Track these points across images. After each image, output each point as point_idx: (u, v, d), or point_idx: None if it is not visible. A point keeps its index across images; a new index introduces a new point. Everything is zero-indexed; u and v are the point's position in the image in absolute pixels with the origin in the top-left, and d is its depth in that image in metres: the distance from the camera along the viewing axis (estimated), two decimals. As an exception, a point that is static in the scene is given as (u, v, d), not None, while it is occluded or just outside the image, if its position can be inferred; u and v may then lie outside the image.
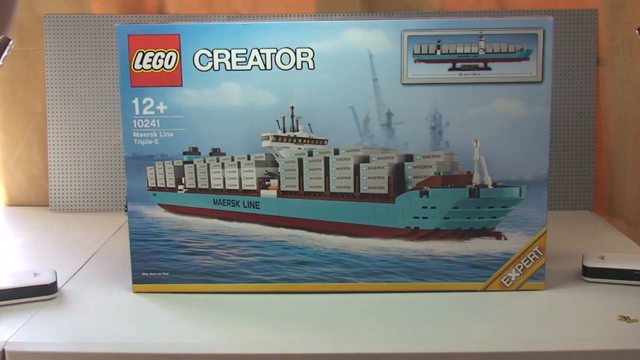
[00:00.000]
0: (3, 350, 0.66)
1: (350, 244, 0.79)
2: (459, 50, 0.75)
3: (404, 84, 0.76)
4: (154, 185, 0.79)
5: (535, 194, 0.77)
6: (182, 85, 0.76)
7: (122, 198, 1.20)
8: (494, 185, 0.77)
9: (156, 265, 0.80)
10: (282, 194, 0.79)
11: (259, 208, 0.80)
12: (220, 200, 0.81)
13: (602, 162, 1.21)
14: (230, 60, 0.76)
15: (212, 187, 0.81)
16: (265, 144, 0.78)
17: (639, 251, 0.95)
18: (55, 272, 0.80)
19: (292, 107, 0.77)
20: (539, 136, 0.77)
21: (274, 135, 0.77)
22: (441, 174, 0.77)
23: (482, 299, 0.78)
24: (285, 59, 0.76)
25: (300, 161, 0.79)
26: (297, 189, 0.79)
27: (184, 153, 0.78)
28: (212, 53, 0.76)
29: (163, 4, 1.19)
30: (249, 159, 0.79)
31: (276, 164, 0.79)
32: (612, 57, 1.17)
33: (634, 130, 1.18)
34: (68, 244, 1.01)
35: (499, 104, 0.76)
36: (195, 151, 0.78)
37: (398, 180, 0.78)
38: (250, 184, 0.80)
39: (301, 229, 0.80)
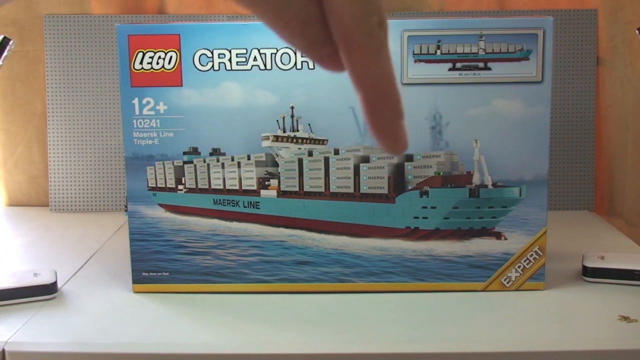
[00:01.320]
0: (3, 350, 0.66)
1: (350, 244, 0.79)
2: (459, 50, 0.75)
3: (404, 84, 0.76)
4: (154, 185, 0.79)
5: (535, 194, 0.77)
6: (182, 85, 0.76)
7: (122, 198, 1.20)
8: (494, 185, 0.77)
9: (156, 265, 0.80)
10: (282, 194, 0.79)
11: (259, 208, 0.80)
12: (220, 200, 0.81)
13: (602, 162, 1.21)
14: (230, 60, 0.76)
15: (212, 187, 0.81)
16: (265, 144, 0.78)
17: (639, 251, 0.95)
18: (55, 272, 0.80)
19: (292, 107, 0.77)
20: (539, 136, 0.77)
21: (274, 135, 0.77)
22: (441, 174, 0.77)
23: (482, 299, 0.78)
24: (285, 59, 0.76)
25: (300, 161, 0.79)
26: (297, 189, 0.79)
27: (184, 153, 0.78)
28: (212, 53, 0.76)
29: (163, 4, 1.19)
30: (249, 159, 0.79)
31: (276, 164, 0.79)
32: (612, 57, 1.17)
33: (634, 130, 1.18)
34: (68, 244, 1.01)
35: (499, 104, 0.76)
36: (195, 151, 0.78)
37: (398, 180, 0.78)
38: (250, 184, 0.80)
39: (301, 229, 0.80)
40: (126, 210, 0.81)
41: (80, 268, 0.90)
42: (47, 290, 0.78)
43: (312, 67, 0.76)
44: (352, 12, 0.27)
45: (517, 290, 0.80)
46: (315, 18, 0.27)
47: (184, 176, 0.80)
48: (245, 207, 0.80)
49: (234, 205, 0.81)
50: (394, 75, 0.28)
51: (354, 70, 0.27)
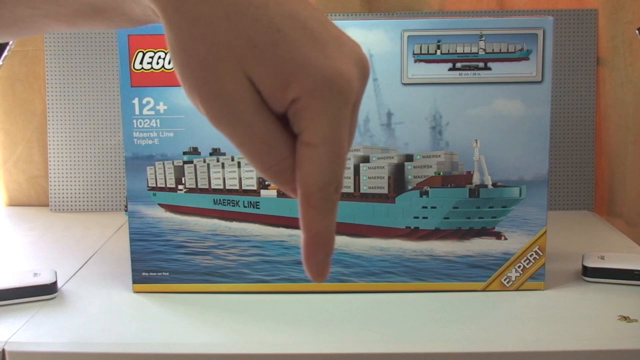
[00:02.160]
0: (3, 350, 0.66)
1: (350, 244, 0.79)
2: (459, 50, 0.75)
3: (404, 84, 0.76)
4: (154, 185, 0.79)
5: (535, 194, 0.77)
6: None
7: (122, 198, 1.20)
8: (494, 185, 0.77)
9: (156, 265, 0.80)
10: (282, 194, 0.79)
11: (259, 208, 0.80)
12: (220, 200, 0.81)
13: (602, 162, 1.21)
14: (230, 60, 0.76)
15: (212, 187, 0.81)
16: (265, 144, 0.77)
17: (639, 251, 0.95)
18: (55, 272, 0.80)
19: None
20: (539, 136, 0.77)
21: (274, 135, 0.77)
22: (441, 174, 0.77)
23: (482, 299, 0.78)
24: (285, 59, 0.75)
25: (300, 161, 0.79)
26: (297, 189, 0.79)
27: (184, 153, 0.78)
28: (212, 53, 0.75)
29: (163, 4, 1.19)
30: (249, 159, 0.79)
31: (276, 164, 0.79)
32: (612, 57, 1.17)
33: (634, 130, 1.18)
34: (68, 244, 1.01)
35: (499, 104, 0.76)
36: (195, 151, 0.78)
37: (398, 180, 0.78)
38: (251, 184, 0.80)
39: (301, 229, 0.79)
40: (126, 210, 0.81)
41: (80, 268, 0.90)
42: (47, 290, 0.78)
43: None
44: (315, 181, 0.31)
45: (517, 290, 0.80)
46: (290, 169, 0.31)
47: (184, 176, 0.80)
48: (245, 207, 0.80)
49: (234, 205, 0.81)
50: (335, 225, 0.33)
51: (304, 219, 0.32)
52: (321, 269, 0.33)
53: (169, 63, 0.76)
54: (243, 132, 0.31)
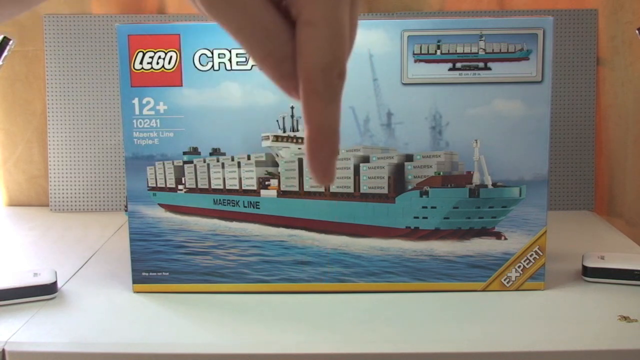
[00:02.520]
0: (3, 350, 0.66)
1: (350, 244, 0.79)
2: (459, 50, 0.75)
3: (404, 84, 0.76)
4: (154, 185, 0.79)
5: (535, 194, 0.77)
6: (182, 85, 0.76)
7: (122, 198, 1.20)
8: (494, 185, 0.77)
9: (156, 265, 0.80)
10: (282, 194, 0.79)
11: (259, 208, 0.80)
12: (220, 200, 0.81)
13: (602, 162, 1.21)
14: (230, 60, 0.76)
15: (212, 187, 0.81)
16: (265, 144, 0.78)
17: (639, 251, 0.95)
18: (55, 272, 0.80)
19: (292, 107, 0.77)
20: (539, 136, 0.77)
21: (274, 135, 0.77)
22: (441, 174, 0.77)
23: (482, 299, 0.78)
24: (285, 59, 0.75)
25: (300, 161, 0.79)
26: (297, 189, 0.79)
27: (184, 153, 0.78)
28: (212, 53, 0.76)
29: (163, 4, 1.19)
30: (249, 159, 0.79)
31: (276, 164, 0.79)
32: (612, 57, 1.17)
33: (634, 130, 1.18)
34: (68, 244, 1.01)
35: (499, 104, 0.76)
36: (195, 151, 0.78)
37: (398, 180, 0.78)
38: (250, 184, 0.80)
39: (301, 229, 0.80)
40: (126, 210, 0.81)
41: (80, 268, 0.90)
42: (47, 290, 0.78)
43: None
44: (316, 62, 0.30)
45: (517, 290, 0.80)
46: (291, 57, 0.30)
47: (184, 176, 0.80)
48: (245, 207, 0.80)
49: (234, 205, 0.81)
50: (340, 119, 0.31)
51: (307, 110, 0.31)
52: (325, 168, 0.32)
53: (169, 63, 0.76)
54: (241, 15, 0.30)
